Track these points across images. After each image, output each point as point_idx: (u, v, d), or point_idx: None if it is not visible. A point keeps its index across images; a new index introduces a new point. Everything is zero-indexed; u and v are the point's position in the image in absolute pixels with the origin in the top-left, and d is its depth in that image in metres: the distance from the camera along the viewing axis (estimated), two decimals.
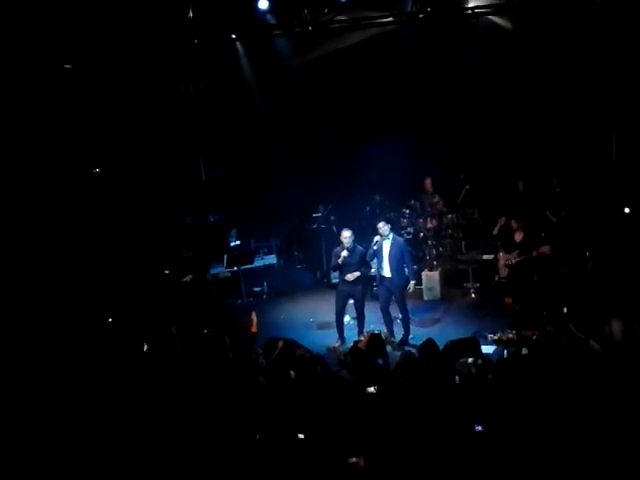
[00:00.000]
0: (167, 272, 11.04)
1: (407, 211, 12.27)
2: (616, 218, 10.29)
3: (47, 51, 10.38)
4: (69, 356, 8.13)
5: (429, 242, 11.89)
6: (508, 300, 10.10)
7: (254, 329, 7.62)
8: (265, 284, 12.42)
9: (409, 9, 11.68)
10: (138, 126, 11.92)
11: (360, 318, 9.55)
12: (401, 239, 9.60)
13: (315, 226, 13.07)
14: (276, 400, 6.08)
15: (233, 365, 6.90)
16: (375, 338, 7.29)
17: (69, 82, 10.87)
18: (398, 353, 7.90)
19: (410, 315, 9.82)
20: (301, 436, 5.52)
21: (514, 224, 10.22)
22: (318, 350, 8.36)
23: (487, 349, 8.22)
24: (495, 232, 10.67)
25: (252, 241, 12.96)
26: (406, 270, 9.45)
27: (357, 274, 9.33)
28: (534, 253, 9.85)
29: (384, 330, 9.42)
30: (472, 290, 11.22)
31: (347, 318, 9.94)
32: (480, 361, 6.56)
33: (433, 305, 10.94)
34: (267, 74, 13.15)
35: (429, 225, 12.02)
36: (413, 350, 7.67)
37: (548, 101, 11.72)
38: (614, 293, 8.34)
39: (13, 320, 9.09)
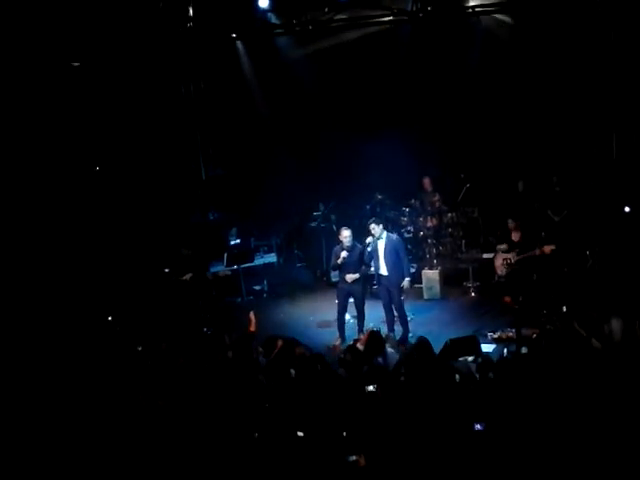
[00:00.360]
0: (167, 270, 11.04)
1: (407, 210, 12.29)
2: (616, 217, 10.30)
3: (47, 50, 10.37)
4: (69, 354, 8.13)
5: (429, 241, 11.91)
6: (508, 299, 10.10)
7: (253, 328, 7.63)
8: (265, 283, 12.41)
9: (409, 8, 11.67)
10: (138, 125, 11.92)
11: (360, 317, 9.56)
12: (395, 237, 9.58)
13: (315, 225, 13.08)
14: (276, 398, 6.09)
15: (233, 363, 6.91)
16: (374, 336, 7.27)
17: (71, 81, 10.86)
18: (398, 351, 7.91)
19: (410, 314, 9.84)
20: (300, 434, 5.53)
21: (511, 224, 10.23)
22: (318, 348, 8.37)
23: (487, 348, 8.23)
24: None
25: (252, 240, 12.96)
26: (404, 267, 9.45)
27: (356, 276, 9.36)
28: (537, 252, 9.86)
29: (384, 328, 9.42)
30: (472, 289, 11.22)
31: (347, 317, 9.95)
32: (480, 360, 6.58)
33: (433, 304, 10.94)
34: (267, 73, 13.15)
35: (429, 224, 12.04)
36: None
37: (548, 100, 11.71)
38: (614, 292, 8.34)
39: (12, 317, 9.09)
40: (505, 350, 7.35)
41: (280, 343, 7.05)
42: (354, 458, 5.29)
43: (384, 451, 5.30)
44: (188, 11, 11.88)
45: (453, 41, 12.04)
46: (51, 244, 10.40)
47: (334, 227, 12.25)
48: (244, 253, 12.02)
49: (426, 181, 12.51)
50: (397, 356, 7.23)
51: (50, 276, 10.13)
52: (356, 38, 12.29)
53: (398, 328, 9.53)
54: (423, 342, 6.72)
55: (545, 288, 9.76)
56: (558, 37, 11.19)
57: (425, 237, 11.96)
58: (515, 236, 10.33)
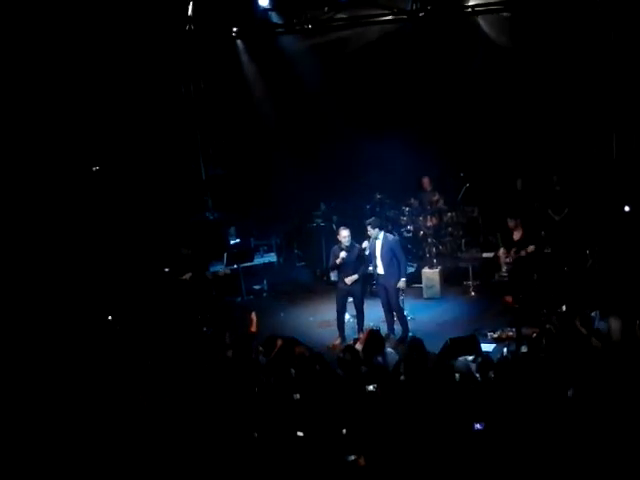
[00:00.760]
0: (167, 270, 11.04)
1: (407, 209, 12.29)
2: (616, 216, 10.30)
3: (47, 50, 10.37)
4: (68, 353, 8.14)
5: (429, 240, 11.90)
6: (508, 298, 10.10)
7: (254, 329, 7.63)
8: (265, 282, 12.41)
9: (409, 7, 11.67)
10: (138, 125, 11.91)
11: (359, 316, 9.57)
12: (392, 237, 9.60)
13: (315, 224, 13.08)
14: (275, 398, 6.09)
15: (233, 363, 6.91)
16: (374, 335, 7.26)
17: (71, 80, 10.85)
18: (397, 351, 7.90)
19: (410, 313, 9.82)
20: (300, 434, 5.53)
21: (510, 222, 10.22)
22: (318, 348, 8.36)
23: (487, 347, 8.22)
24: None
25: (252, 239, 12.96)
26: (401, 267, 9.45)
27: (355, 277, 9.36)
28: (522, 253, 9.89)
29: (384, 328, 9.42)
30: (472, 288, 11.21)
31: (347, 316, 9.94)
32: (480, 359, 6.58)
33: (433, 303, 10.93)
34: (268, 72, 13.15)
35: (429, 223, 12.04)
36: None
37: (548, 100, 11.70)
38: (614, 291, 8.35)
39: (12, 317, 9.09)
40: (505, 349, 7.35)
41: (280, 343, 7.05)
42: (353, 458, 5.29)
43: (384, 451, 5.31)
44: (188, 10, 11.87)
45: (453, 41, 12.03)
46: (51, 244, 10.39)
47: (334, 227, 12.25)
48: (244, 252, 12.02)
49: (426, 180, 12.52)
50: (397, 356, 7.20)
51: (50, 276, 10.13)
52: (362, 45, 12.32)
53: (398, 328, 9.54)
54: (415, 343, 6.72)
55: (545, 287, 9.76)
56: (558, 37, 11.19)
57: (425, 236, 11.96)
58: (517, 235, 10.31)
